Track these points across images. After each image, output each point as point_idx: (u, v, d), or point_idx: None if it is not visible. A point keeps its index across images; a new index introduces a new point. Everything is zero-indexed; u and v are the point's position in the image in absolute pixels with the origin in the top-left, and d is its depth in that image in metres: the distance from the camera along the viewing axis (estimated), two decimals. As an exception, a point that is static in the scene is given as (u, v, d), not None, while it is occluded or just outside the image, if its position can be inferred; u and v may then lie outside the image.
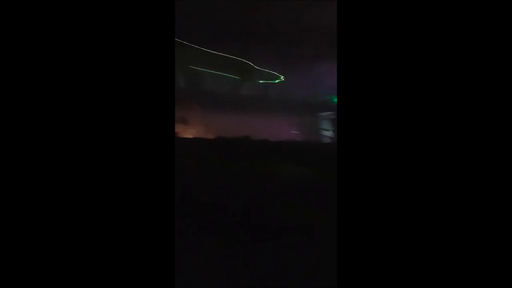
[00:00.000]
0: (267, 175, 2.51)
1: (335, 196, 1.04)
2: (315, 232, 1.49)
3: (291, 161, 2.54)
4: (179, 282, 1.06)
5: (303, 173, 1.94)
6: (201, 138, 5.71)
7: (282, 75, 6.52)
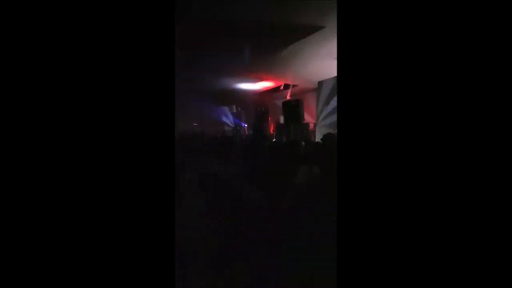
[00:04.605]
0: (267, 173, 2.51)
1: (335, 196, 1.04)
2: (315, 232, 1.49)
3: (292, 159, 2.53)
4: (179, 282, 1.07)
5: (304, 172, 1.93)
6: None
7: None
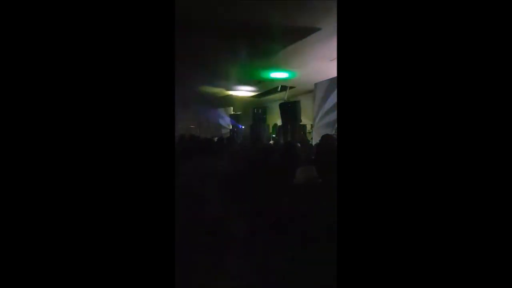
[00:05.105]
0: (267, 174, 2.50)
1: (335, 196, 1.04)
2: (315, 232, 1.49)
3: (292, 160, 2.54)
4: (179, 282, 1.06)
5: (303, 173, 1.93)
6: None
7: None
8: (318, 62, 5.63)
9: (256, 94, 9.62)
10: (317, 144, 3.95)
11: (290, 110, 7.32)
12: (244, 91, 9.21)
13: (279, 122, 8.31)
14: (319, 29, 4.03)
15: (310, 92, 7.48)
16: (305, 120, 7.66)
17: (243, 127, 10.30)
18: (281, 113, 7.68)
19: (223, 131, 10.82)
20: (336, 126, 5.82)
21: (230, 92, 9.37)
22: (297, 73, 6.50)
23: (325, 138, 3.14)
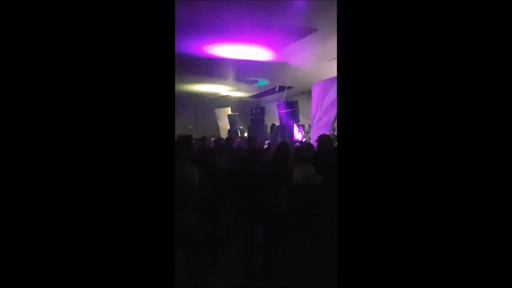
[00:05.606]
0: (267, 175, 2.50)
1: (335, 197, 1.04)
2: (315, 233, 1.50)
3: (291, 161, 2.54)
4: (179, 282, 1.06)
5: (300, 173, 1.94)
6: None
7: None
8: (315, 62, 5.64)
9: (254, 95, 9.61)
10: (314, 144, 3.95)
11: (288, 110, 7.33)
12: (243, 92, 9.20)
13: (277, 122, 8.31)
14: (316, 29, 4.04)
15: (308, 92, 7.50)
16: (303, 120, 7.67)
17: (241, 127, 10.28)
18: (279, 113, 7.68)
19: (221, 131, 10.80)
20: (333, 126, 5.83)
21: (228, 93, 9.36)
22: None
23: (322, 138, 3.14)
